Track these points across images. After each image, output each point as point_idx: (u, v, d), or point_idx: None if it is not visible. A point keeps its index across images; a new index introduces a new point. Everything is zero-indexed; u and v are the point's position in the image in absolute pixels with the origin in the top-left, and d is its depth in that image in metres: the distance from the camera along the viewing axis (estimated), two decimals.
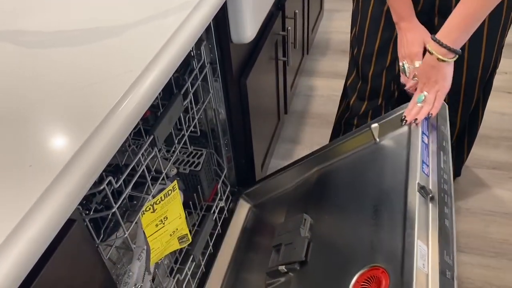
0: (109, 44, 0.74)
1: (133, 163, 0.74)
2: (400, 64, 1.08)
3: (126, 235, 0.75)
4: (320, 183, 1.10)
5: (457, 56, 0.93)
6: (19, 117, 0.60)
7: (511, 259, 1.38)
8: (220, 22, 0.97)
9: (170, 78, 0.98)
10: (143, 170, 0.78)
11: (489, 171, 1.65)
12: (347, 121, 1.35)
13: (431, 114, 0.97)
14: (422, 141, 0.94)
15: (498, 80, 2.06)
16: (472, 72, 1.14)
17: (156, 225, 0.89)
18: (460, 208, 1.53)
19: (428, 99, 0.97)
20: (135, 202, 0.96)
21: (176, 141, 0.93)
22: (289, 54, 1.53)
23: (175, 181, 0.89)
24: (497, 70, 2.16)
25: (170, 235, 0.94)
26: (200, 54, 0.96)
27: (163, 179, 0.88)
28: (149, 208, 0.83)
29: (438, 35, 0.93)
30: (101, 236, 0.80)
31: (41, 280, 0.48)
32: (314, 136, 1.86)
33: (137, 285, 0.90)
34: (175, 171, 0.95)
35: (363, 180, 0.98)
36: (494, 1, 0.86)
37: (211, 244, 1.17)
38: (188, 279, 1.07)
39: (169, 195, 0.89)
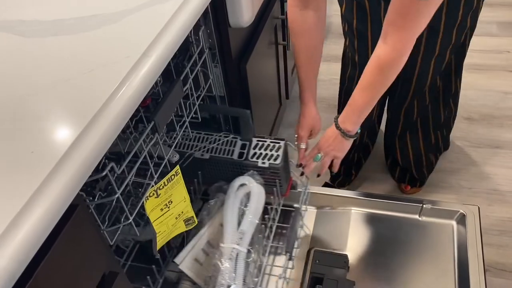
0: (106, 31, 0.74)
1: (134, 150, 0.74)
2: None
3: (130, 221, 0.76)
4: (359, 227, 1.18)
5: (357, 136, 1.03)
6: (20, 105, 0.61)
7: None
8: (218, 7, 0.96)
9: (170, 65, 0.99)
10: (145, 157, 0.78)
11: (492, 150, 1.65)
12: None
13: (334, 171, 1.14)
14: None
15: (499, 59, 2.05)
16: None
17: (161, 209, 0.91)
18: (462, 187, 1.53)
19: (324, 162, 1.08)
20: (140, 190, 0.97)
21: (178, 127, 0.93)
22: (289, 38, 1.53)
23: (177, 166, 0.89)
24: (500, 49, 2.14)
25: (176, 218, 0.95)
26: (199, 39, 0.96)
27: (165, 165, 0.89)
28: (153, 194, 0.84)
29: (339, 118, 1.01)
30: (106, 222, 0.80)
31: (46, 263, 0.49)
32: None
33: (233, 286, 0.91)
34: (177, 157, 0.96)
35: (408, 250, 1.11)
36: (384, 91, 0.93)
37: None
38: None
39: (172, 179, 0.90)
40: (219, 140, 1.10)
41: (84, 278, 0.57)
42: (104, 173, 0.66)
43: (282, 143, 1.07)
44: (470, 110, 1.81)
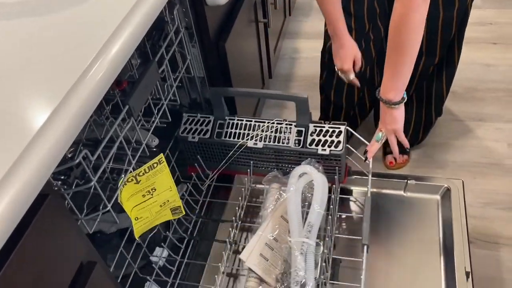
0: (73, 11, 0.71)
1: (109, 135, 0.72)
2: (338, 73, 1.19)
3: (109, 208, 0.74)
4: (344, 204, 1.16)
5: (404, 100, 0.98)
6: None
7: (499, 208, 1.40)
8: None
9: (146, 47, 0.95)
10: (121, 142, 0.76)
11: (475, 123, 1.66)
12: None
13: (408, 148, 1.09)
14: None
15: (482, 31, 2.04)
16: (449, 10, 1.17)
17: (143, 196, 0.89)
18: (447, 161, 1.54)
19: (389, 141, 1.05)
20: (123, 176, 0.95)
21: (156, 111, 0.91)
22: (270, 16, 1.49)
23: (161, 155, 0.87)
24: (483, 21, 2.13)
25: (161, 206, 0.94)
26: (174, 18, 0.93)
27: (148, 150, 0.87)
28: (132, 179, 0.82)
29: (380, 92, 0.99)
30: (85, 211, 0.78)
31: (16, 256, 0.47)
32: None
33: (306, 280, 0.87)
34: (156, 141, 0.93)
35: (393, 225, 1.09)
36: (414, 52, 0.90)
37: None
38: None
39: (154, 167, 0.87)
40: (272, 127, 1.05)
41: (59, 269, 0.55)
42: (77, 161, 0.63)
43: (342, 128, 1.02)
44: (454, 83, 1.80)
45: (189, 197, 1.11)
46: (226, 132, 1.07)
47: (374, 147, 1.07)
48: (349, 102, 1.42)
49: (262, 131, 1.05)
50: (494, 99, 1.74)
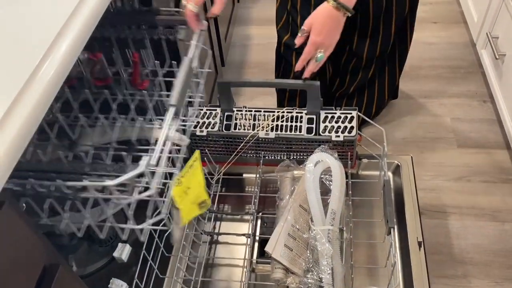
0: (7, 11, 0.68)
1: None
2: None
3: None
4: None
5: (352, 12, 0.93)
6: None
7: (445, 179, 1.49)
8: None
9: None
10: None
11: (421, 100, 1.74)
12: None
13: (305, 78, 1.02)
14: None
15: (423, 11, 2.13)
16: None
17: (180, 196, 0.84)
18: (396, 138, 1.61)
19: (308, 51, 0.97)
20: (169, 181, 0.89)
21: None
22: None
23: (197, 151, 0.83)
24: (424, 1, 2.22)
25: (192, 203, 0.90)
26: None
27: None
28: (178, 183, 0.77)
29: None
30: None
31: None
32: None
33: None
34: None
35: (355, 202, 1.09)
36: None
37: None
38: None
39: (193, 166, 0.82)
40: (282, 116, 1.04)
41: (20, 275, 0.54)
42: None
43: (354, 113, 1.02)
44: None
45: None
46: (235, 124, 1.07)
47: (312, 66, 0.99)
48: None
49: (273, 120, 1.04)
50: (436, 76, 1.83)
